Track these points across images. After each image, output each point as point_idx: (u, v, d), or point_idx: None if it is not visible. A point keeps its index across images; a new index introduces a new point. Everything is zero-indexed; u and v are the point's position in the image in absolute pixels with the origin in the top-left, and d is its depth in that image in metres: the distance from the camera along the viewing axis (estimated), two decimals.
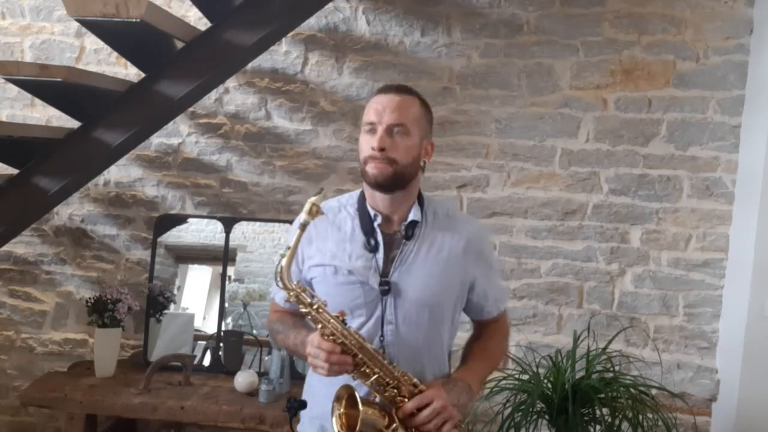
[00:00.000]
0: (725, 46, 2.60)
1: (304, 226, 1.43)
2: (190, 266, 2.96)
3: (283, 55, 2.80)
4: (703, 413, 2.67)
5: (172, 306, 2.85)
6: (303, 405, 1.51)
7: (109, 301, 2.55)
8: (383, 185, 1.53)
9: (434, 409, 1.44)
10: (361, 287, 1.54)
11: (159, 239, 2.81)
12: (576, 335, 2.52)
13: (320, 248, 1.59)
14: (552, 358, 2.46)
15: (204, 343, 2.82)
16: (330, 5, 2.67)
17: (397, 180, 1.53)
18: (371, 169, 1.52)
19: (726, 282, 2.65)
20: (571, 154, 2.71)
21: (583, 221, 2.72)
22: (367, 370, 1.45)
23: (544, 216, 2.74)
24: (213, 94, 2.79)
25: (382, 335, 1.53)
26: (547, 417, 2.36)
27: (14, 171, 2.37)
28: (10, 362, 3.00)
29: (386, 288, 1.53)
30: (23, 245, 2.95)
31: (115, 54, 2.78)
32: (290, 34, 2.67)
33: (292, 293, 1.45)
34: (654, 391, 2.39)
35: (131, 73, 2.73)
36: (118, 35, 2.20)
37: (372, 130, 1.53)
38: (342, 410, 1.43)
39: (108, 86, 2.29)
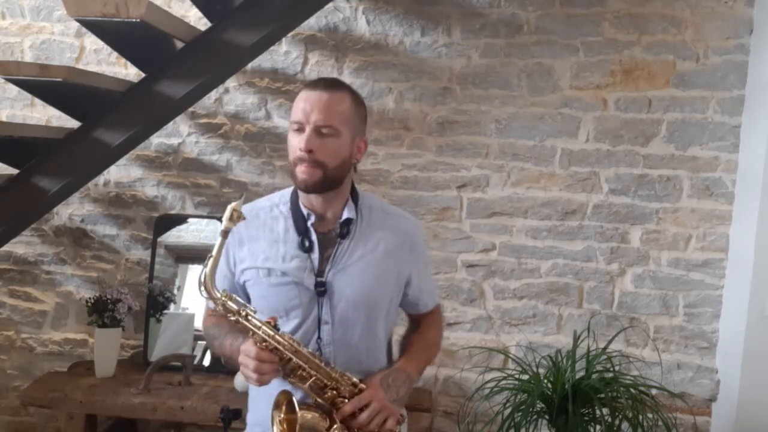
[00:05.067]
0: (725, 46, 2.60)
1: (225, 233, 1.38)
2: (190, 266, 2.95)
3: (283, 55, 2.80)
4: (703, 413, 2.68)
5: (172, 306, 2.84)
6: (237, 414, 1.49)
7: (109, 301, 2.55)
8: (312, 190, 1.50)
9: (373, 410, 1.45)
10: (296, 288, 1.52)
11: (159, 239, 2.81)
12: (576, 335, 2.52)
13: (252, 250, 1.55)
14: (552, 358, 2.46)
15: (204, 343, 2.82)
16: (330, 5, 2.67)
17: (327, 183, 1.49)
18: (300, 173, 1.47)
19: (726, 282, 2.65)
20: (571, 154, 2.71)
21: (583, 221, 2.72)
22: (303, 374, 1.42)
23: (544, 216, 2.74)
24: (213, 94, 2.79)
25: (319, 336, 1.51)
26: (547, 417, 2.36)
27: (14, 171, 2.37)
28: (10, 362, 3.00)
29: (322, 289, 1.51)
30: (23, 245, 2.94)
31: (115, 54, 2.77)
32: (290, 34, 2.67)
33: (218, 302, 1.39)
34: (654, 391, 2.39)
35: (131, 73, 2.73)
36: (118, 35, 2.19)
37: (300, 130, 1.47)
38: (282, 416, 1.42)
39: (108, 86, 2.29)
